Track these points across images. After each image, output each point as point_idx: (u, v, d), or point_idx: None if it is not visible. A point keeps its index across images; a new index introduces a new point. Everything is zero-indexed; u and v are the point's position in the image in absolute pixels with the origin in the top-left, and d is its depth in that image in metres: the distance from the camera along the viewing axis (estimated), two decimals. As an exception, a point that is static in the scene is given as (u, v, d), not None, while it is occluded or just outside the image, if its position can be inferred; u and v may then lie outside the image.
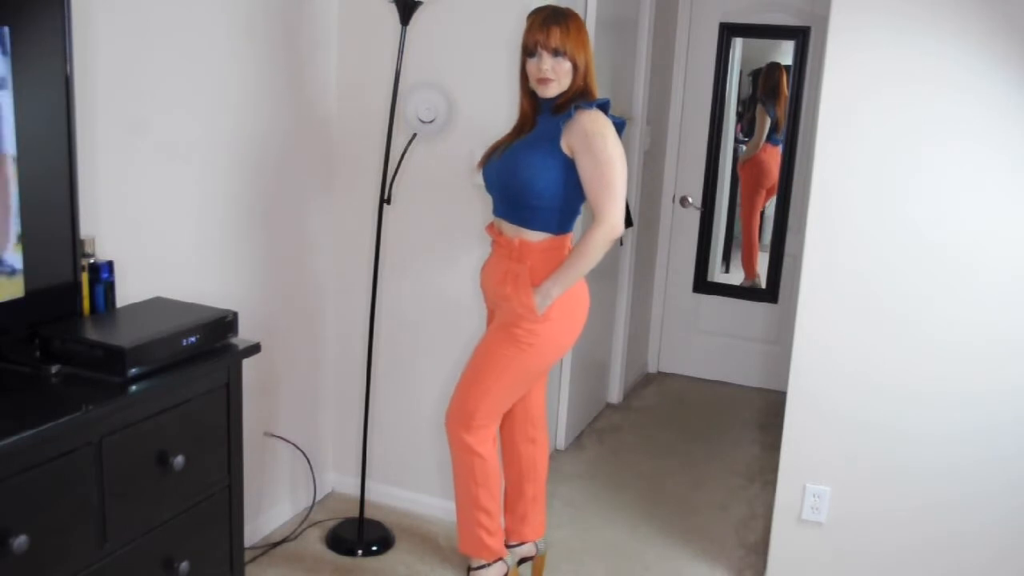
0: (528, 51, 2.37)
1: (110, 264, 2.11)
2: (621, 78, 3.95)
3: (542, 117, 2.43)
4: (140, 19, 2.26)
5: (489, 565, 2.65)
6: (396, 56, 2.77)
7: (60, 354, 1.85)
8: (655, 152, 4.56)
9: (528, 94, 2.46)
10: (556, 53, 2.32)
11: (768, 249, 4.82)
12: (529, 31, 2.37)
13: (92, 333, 1.94)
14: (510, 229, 2.45)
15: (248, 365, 2.17)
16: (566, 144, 2.33)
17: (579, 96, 2.37)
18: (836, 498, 2.75)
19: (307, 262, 3.08)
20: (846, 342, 2.65)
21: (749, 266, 4.87)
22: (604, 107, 2.36)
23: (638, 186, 4.28)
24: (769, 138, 4.73)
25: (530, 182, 2.37)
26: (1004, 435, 2.57)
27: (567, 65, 2.34)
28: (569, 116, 2.32)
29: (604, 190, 2.30)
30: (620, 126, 2.40)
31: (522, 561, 2.78)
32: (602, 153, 2.28)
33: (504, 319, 2.47)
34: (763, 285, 4.81)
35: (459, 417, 2.53)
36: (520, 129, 2.48)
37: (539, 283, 2.39)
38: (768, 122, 4.74)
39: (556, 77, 2.34)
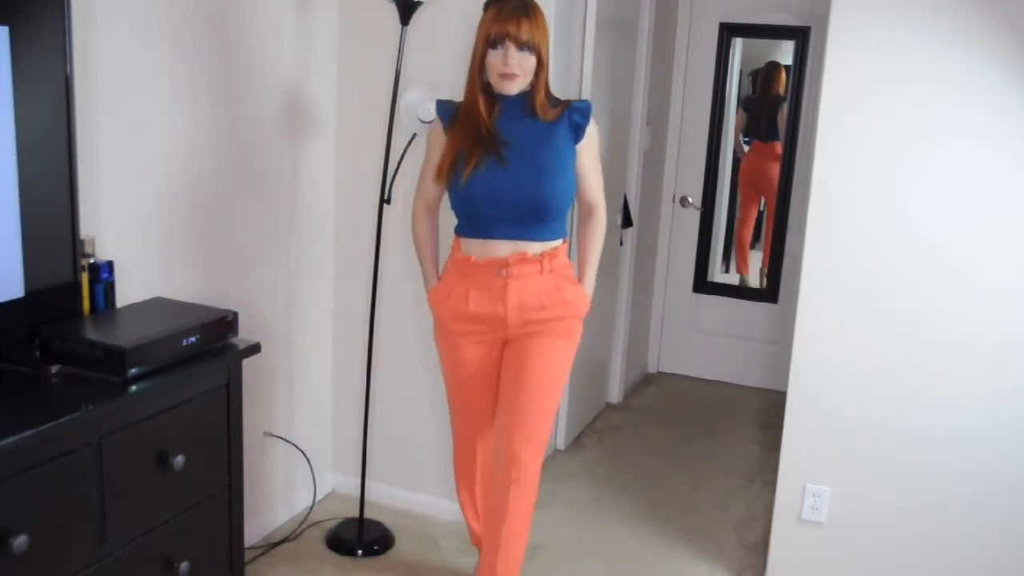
0: (492, 42, 2.21)
1: (110, 264, 2.11)
2: (621, 78, 3.95)
3: (523, 120, 2.28)
4: (140, 18, 2.26)
5: None
6: (396, 56, 2.77)
7: (60, 354, 1.85)
8: (655, 152, 4.56)
9: (481, 90, 2.28)
10: (524, 47, 2.20)
11: (762, 249, 4.83)
12: (496, 21, 2.21)
13: (92, 333, 1.94)
14: (530, 247, 2.31)
15: (248, 365, 2.17)
16: (579, 152, 2.33)
17: (548, 92, 2.30)
18: (836, 498, 2.75)
19: (307, 262, 3.08)
20: (846, 342, 2.65)
21: (741, 264, 4.89)
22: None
23: (638, 186, 4.28)
24: (760, 137, 4.74)
25: (565, 195, 2.30)
26: (1004, 435, 2.57)
27: (533, 60, 2.23)
28: (583, 129, 2.30)
29: (600, 186, 2.43)
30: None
31: None
32: (598, 155, 2.40)
33: (552, 332, 2.37)
34: (757, 284, 4.82)
35: (540, 449, 2.43)
36: (477, 133, 2.27)
37: (572, 281, 2.41)
38: (743, 121, 4.75)
39: (522, 72, 2.23)
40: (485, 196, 2.26)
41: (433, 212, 2.49)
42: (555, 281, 2.34)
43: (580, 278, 2.45)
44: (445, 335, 2.46)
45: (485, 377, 2.48)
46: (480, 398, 2.52)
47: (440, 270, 2.52)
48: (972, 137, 2.46)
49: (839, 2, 2.50)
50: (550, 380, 2.40)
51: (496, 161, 2.25)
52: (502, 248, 2.31)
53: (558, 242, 2.36)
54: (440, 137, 2.36)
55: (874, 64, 2.50)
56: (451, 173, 2.29)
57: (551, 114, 2.29)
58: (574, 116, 2.30)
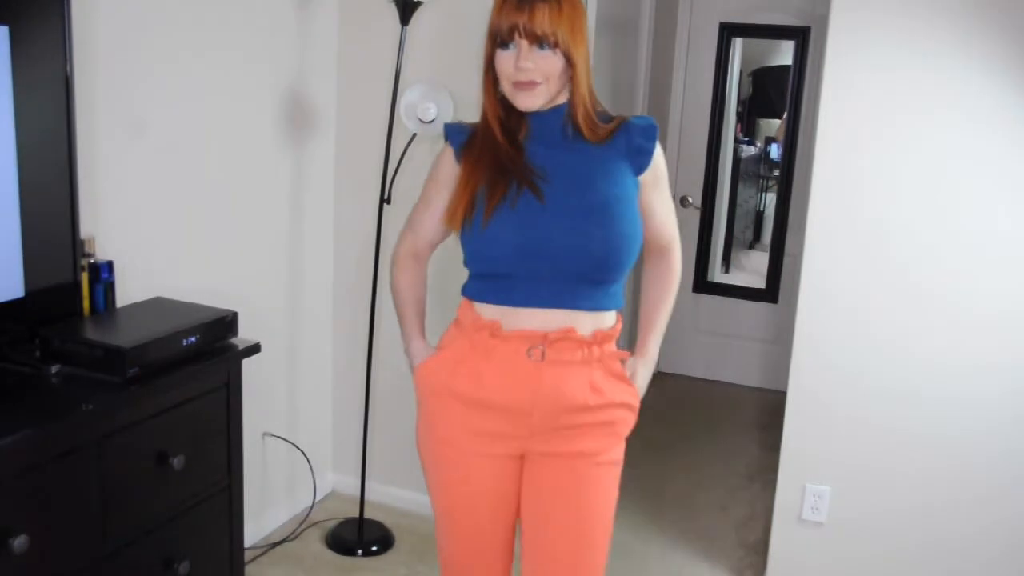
0: (500, 39, 1.60)
1: (110, 264, 2.11)
2: (621, 78, 3.95)
3: (561, 144, 1.67)
4: (140, 18, 2.26)
5: None
6: (396, 56, 2.77)
7: (60, 354, 1.85)
8: (655, 152, 4.56)
9: (497, 103, 1.67)
10: (543, 43, 1.58)
11: (762, 248, 4.84)
12: (502, 11, 1.60)
13: (92, 333, 1.94)
14: (579, 320, 1.66)
15: (248, 365, 2.17)
16: (642, 186, 1.71)
17: (594, 102, 1.68)
18: (836, 498, 2.75)
19: (307, 262, 3.09)
20: (846, 342, 2.65)
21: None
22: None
23: (638, 186, 4.28)
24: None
25: (631, 245, 1.65)
26: (1004, 435, 2.57)
27: (559, 62, 1.59)
28: (649, 156, 1.69)
29: (675, 221, 1.83)
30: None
31: None
32: (667, 183, 1.78)
33: (595, 441, 1.71)
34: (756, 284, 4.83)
35: None
36: (499, 161, 1.66)
37: (622, 377, 1.74)
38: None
39: (543, 79, 1.59)
40: (516, 245, 1.62)
41: (423, 260, 1.89)
42: (602, 375, 1.70)
43: (639, 348, 1.84)
44: (440, 427, 1.74)
45: (499, 499, 1.76)
46: (493, 535, 1.80)
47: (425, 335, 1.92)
48: (972, 135, 2.46)
49: (839, 2, 2.50)
50: (608, 527, 1.75)
51: (531, 197, 1.62)
52: (536, 319, 1.65)
53: (612, 315, 1.72)
54: (450, 170, 1.73)
55: (874, 64, 2.50)
56: (468, 215, 1.65)
57: (601, 133, 1.67)
58: (634, 138, 1.67)
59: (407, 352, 1.87)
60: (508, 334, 1.65)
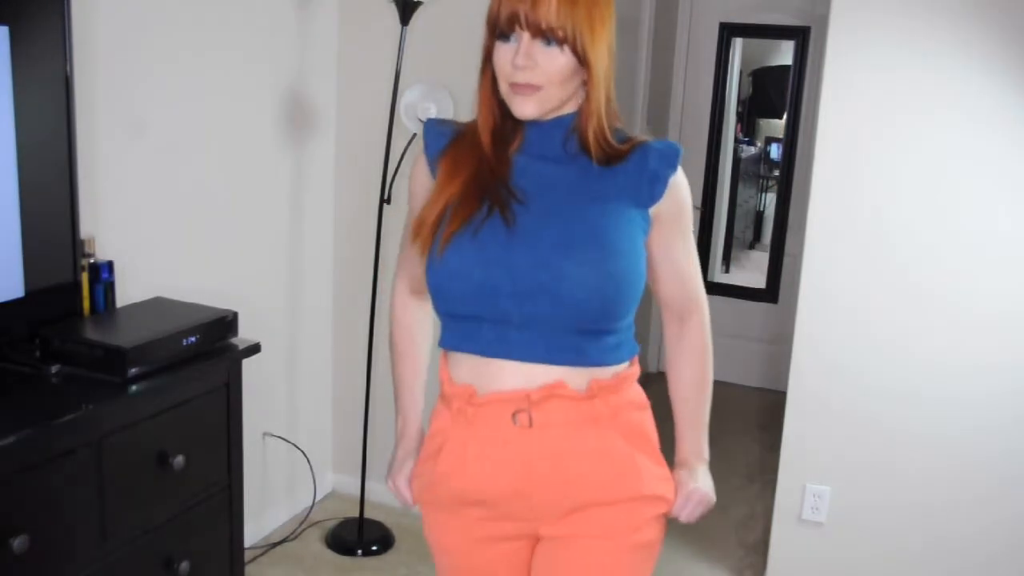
0: (499, 30, 1.28)
1: (110, 264, 2.11)
2: (621, 78, 3.95)
3: (560, 161, 1.35)
4: (140, 18, 2.26)
5: None
6: (396, 56, 2.77)
7: (60, 354, 1.85)
8: (655, 152, 4.56)
9: (496, 104, 1.35)
10: (549, 37, 1.25)
11: (762, 248, 4.83)
12: None
13: (92, 333, 1.94)
14: (568, 374, 1.33)
15: (248, 365, 2.17)
16: (655, 221, 1.38)
17: (610, 117, 1.34)
18: (836, 498, 2.75)
19: (307, 262, 3.09)
20: (846, 342, 2.65)
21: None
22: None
23: (638, 186, 4.28)
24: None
25: (625, 285, 1.32)
26: (1004, 435, 2.57)
27: (568, 62, 1.26)
28: (665, 181, 1.36)
29: (699, 275, 1.49)
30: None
31: None
32: (691, 227, 1.46)
33: (615, 530, 1.37)
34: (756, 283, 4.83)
35: None
36: (477, 173, 1.36)
37: (647, 442, 1.41)
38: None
39: (544, 81, 1.27)
40: (475, 281, 1.32)
41: (423, 297, 1.55)
42: (616, 437, 1.37)
43: (680, 451, 1.50)
44: (441, 516, 1.48)
45: None
46: None
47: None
48: (972, 135, 2.46)
49: (839, 2, 2.50)
50: None
51: (500, 220, 1.32)
52: (515, 375, 1.34)
53: (621, 366, 1.40)
54: (424, 178, 1.44)
55: (874, 64, 2.50)
56: (432, 236, 1.35)
57: (611, 155, 1.34)
58: (650, 161, 1.35)
59: (395, 452, 1.60)
60: (485, 399, 1.35)
